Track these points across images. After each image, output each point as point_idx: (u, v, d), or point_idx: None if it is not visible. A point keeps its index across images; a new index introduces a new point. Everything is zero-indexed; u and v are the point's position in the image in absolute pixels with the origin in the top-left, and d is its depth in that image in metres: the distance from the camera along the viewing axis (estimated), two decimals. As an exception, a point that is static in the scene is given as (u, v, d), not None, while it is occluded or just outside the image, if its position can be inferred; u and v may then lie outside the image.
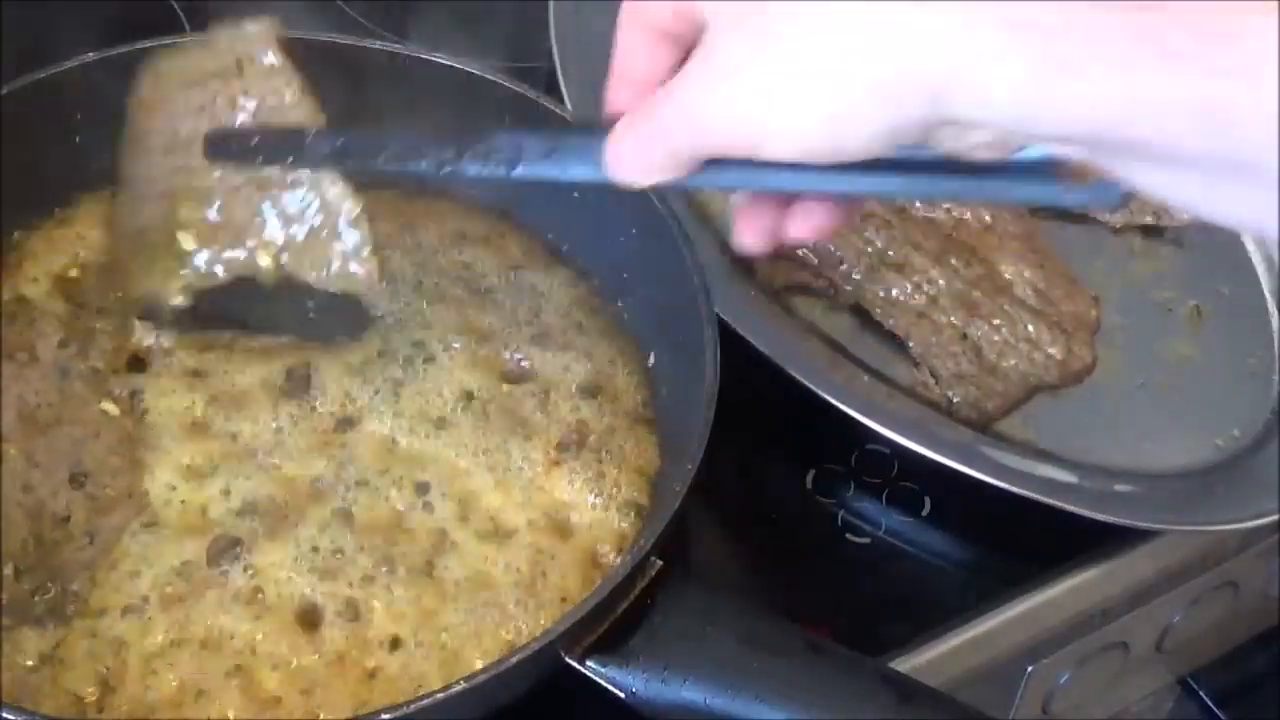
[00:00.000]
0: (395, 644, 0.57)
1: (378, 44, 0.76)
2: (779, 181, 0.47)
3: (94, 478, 0.61)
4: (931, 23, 0.38)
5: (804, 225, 0.50)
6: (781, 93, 0.41)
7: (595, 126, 0.50)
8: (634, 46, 0.49)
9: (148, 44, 0.72)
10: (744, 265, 0.81)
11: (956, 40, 0.38)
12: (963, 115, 0.39)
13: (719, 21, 0.43)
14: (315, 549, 0.60)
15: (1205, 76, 0.34)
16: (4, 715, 0.49)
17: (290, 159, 0.61)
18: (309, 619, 0.58)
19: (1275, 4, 0.34)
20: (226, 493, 0.61)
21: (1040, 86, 0.37)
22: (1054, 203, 0.45)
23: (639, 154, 0.47)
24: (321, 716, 0.55)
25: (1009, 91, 0.37)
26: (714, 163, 0.46)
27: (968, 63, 0.37)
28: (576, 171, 0.52)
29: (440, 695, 0.50)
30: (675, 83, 0.45)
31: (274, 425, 0.64)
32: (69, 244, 0.70)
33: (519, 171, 0.53)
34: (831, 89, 0.40)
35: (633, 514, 0.63)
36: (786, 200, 0.50)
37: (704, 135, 0.44)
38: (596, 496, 0.63)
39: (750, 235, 0.51)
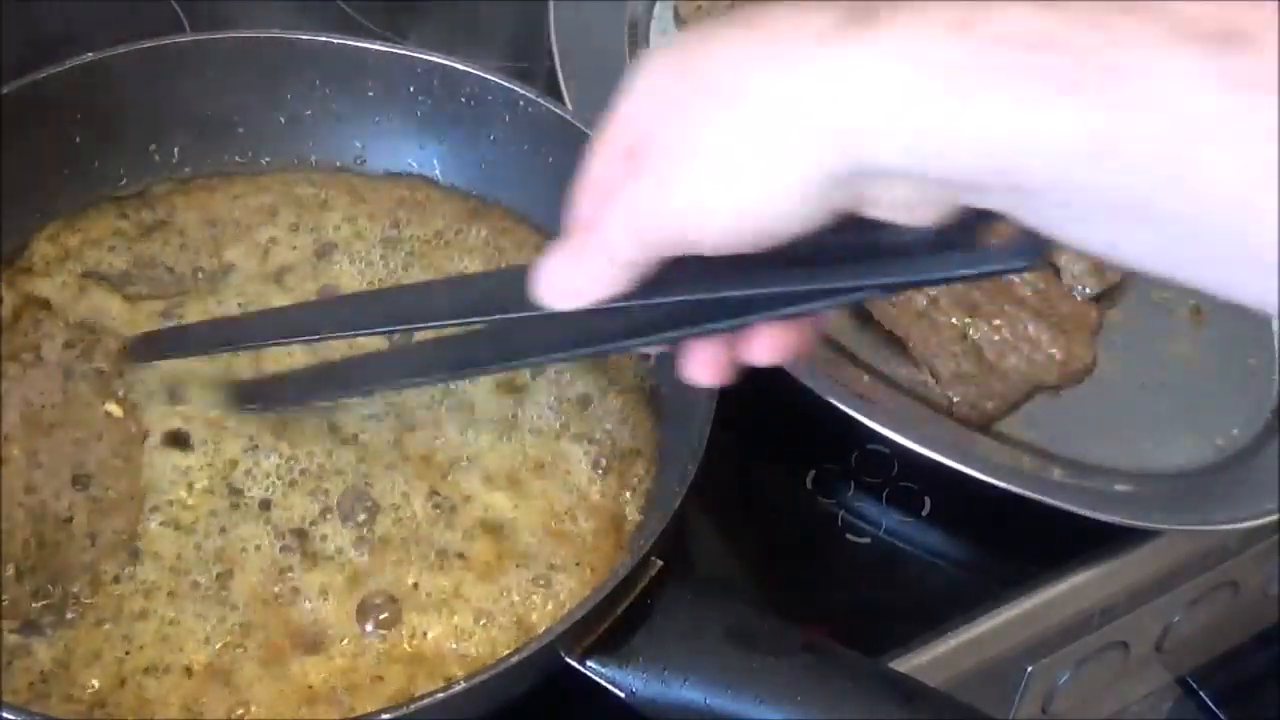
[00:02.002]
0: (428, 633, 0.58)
1: (378, 44, 0.76)
2: (720, 289, 0.46)
3: (96, 479, 0.61)
4: (837, 68, 0.38)
5: (765, 349, 0.48)
6: (710, 165, 0.41)
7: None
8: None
9: (148, 44, 0.72)
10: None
11: (864, 81, 0.37)
12: (879, 161, 0.38)
13: (652, 131, 0.43)
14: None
15: (1098, 110, 0.34)
16: (5, 716, 0.49)
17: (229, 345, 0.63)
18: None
19: (1165, 36, 0.34)
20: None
21: (944, 122, 0.36)
22: (981, 268, 0.44)
23: (574, 268, 0.46)
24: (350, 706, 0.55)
25: (914, 131, 0.37)
26: (654, 281, 0.45)
27: (875, 104, 0.37)
28: (492, 312, 0.52)
29: (440, 695, 0.50)
30: (614, 195, 0.44)
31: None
32: (72, 245, 0.70)
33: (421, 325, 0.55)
34: (753, 152, 0.40)
35: (639, 496, 0.64)
36: (729, 320, 0.48)
37: (641, 228, 0.44)
38: (601, 470, 0.64)
39: (699, 368, 0.50)
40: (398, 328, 0.57)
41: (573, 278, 0.47)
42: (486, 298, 0.52)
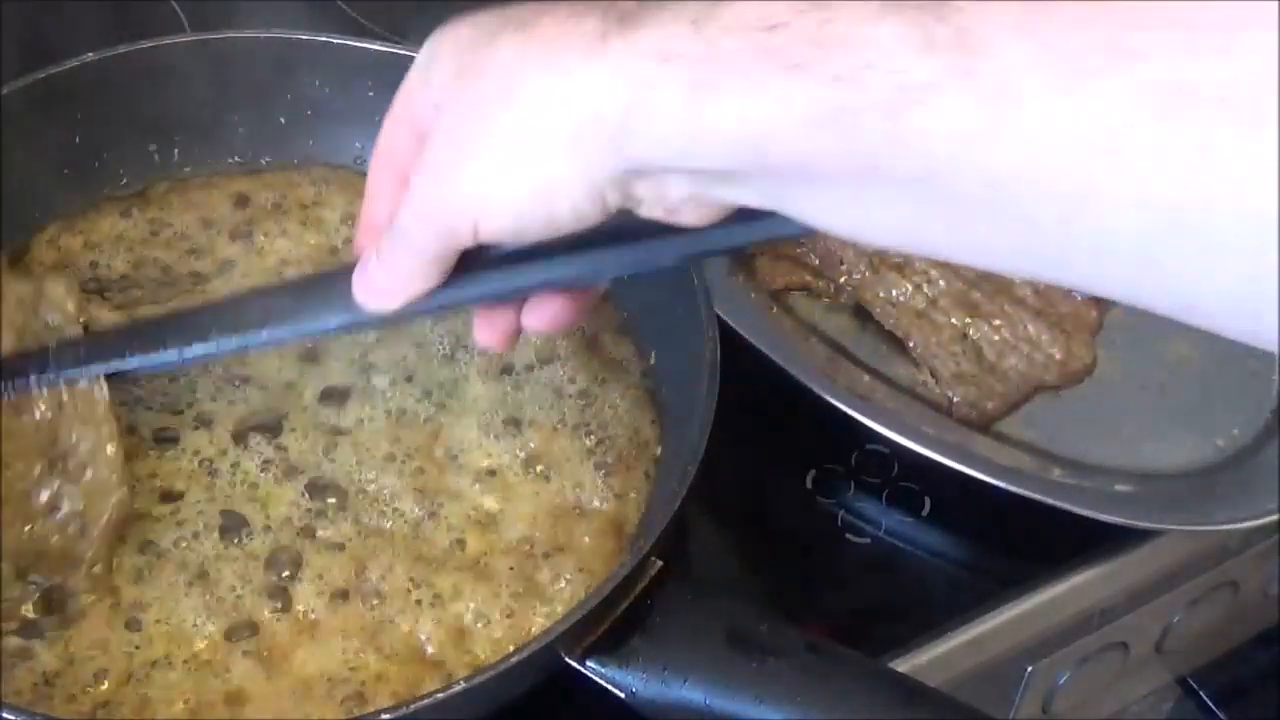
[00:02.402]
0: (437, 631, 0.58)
1: (378, 44, 0.76)
2: (515, 281, 0.50)
3: (72, 456, 0.59)
4: (601, 69, 0.40)
5: (539, 317, 0.53)
6: (490, 165, 0.44)
7: (340, 271, 0.53)
8: (380, 190, 0.52)
9: (148, 44, 0.72)
10: (744, 265, 0.81)
11: (622, 81, 0.40)
12: (643, 157, 0.41)
13: (437, 123, 0.46)
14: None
15: (825, 84, 0.36)
16: (4, 716, 0.49)
17: (34, 374, 0.59)
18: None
19: (875, 10, 0.36)
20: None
21: (691, 113, 0.39)
22: (768, 233, 0.46)
23: (386, 271, 0.50)
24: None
25: (668, 122, 0.39)
26: (456, 278, 0.49)
27: (633, 101, 0.40)
28: (330, 319, 0.53)
29: (440, 695, 0.50)
30: (407, 190, 0.47)
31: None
32: (72, 248, 0.70)
33: (267, 336, 0.55)
34: (530, 153, 0.42)
35: (639, 496, 0.64)
36: (522, 297, 0.52)
37: (434, 223, 0.47)
38: (602, 470, 0.64)
39: (489, 335, 0.54)
40: (240, 341, 0.57)
41: (387, 279, 0.50)
42: (324, 303, 0.54)
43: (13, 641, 0.56)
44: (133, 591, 0.58)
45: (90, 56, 0.70)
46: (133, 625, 0.57)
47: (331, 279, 0.54)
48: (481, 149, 0.44)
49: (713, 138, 0.39)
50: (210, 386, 0.65)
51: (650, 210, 0.44)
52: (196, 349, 0.57)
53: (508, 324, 0.54)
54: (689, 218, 0.44)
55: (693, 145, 0.40)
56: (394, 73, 0.75)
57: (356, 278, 0.51)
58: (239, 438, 0.63)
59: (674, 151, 0.40)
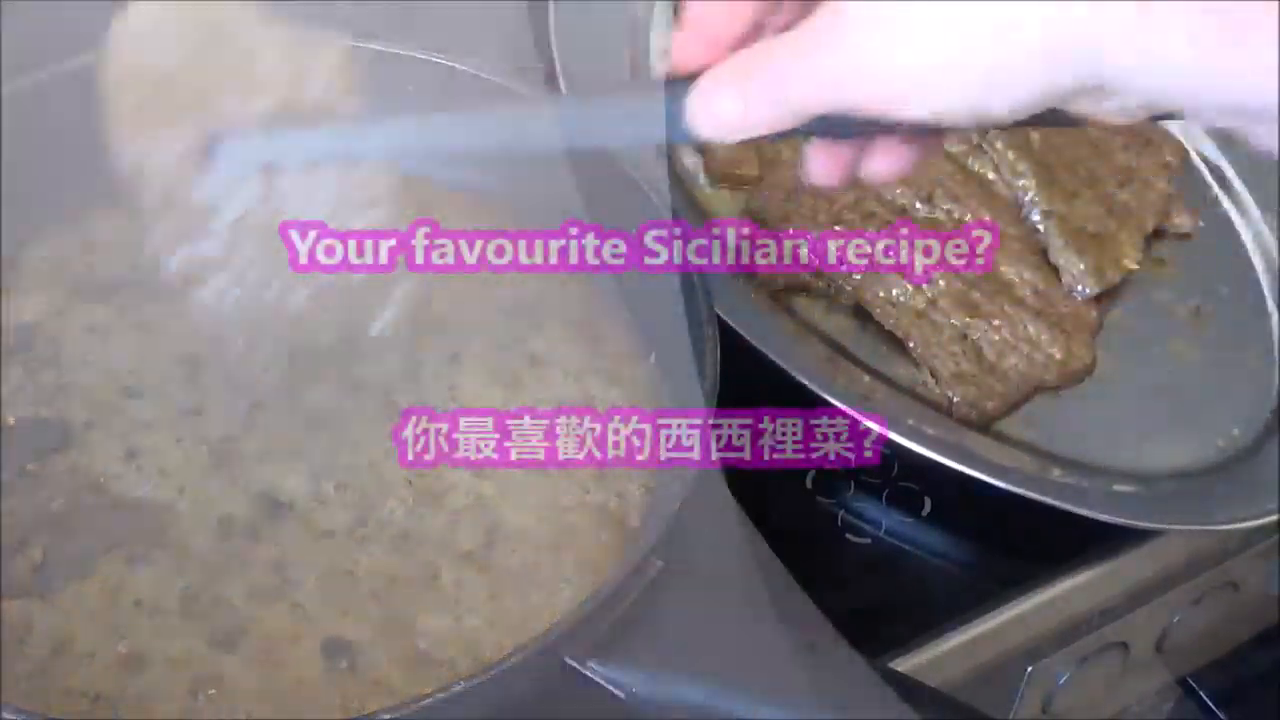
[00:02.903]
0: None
1: (378, 44, 0.76)
2: (868, 127, 0.44)
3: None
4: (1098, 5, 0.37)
5: (885, 161, 0.47)
6: (934, 51, 0.39)
7: (655, 86, 0.47)
8: None
9: (148, 44, 0.72)
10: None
11: (1131, 4, 0.37)
12: (1121, 82, 0.38)
13: None
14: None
15: None
16: (4, 716, 0.49)
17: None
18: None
19: None
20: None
21: (1215, 56, 0.36)
22: None
23: (741, 106, 0.44)
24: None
25: (1180, 60, 0.36)
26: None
27: (1140, 28, 0.36)
28: (644, 132, 0.49)
29: (440, 695, 0.50)
30: (800, 35, 0.42)
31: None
32: (70, 251, 0.70)
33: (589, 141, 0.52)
34: (993, 48, 0.38)
35: (639, 496, 0.64)
36: (868, 135, 0.47)
37: (833, 93, 0.42)
38: (602, 469, 0.64)
39: (823, 169, 0.48)
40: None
41: (736, 115, 0.45)
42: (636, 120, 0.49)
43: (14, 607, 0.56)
44: (123, 579, 0.58)
45: (92, 56, 0.70)
46: (123, 615, 0.57)
47: (648, 93, 0.48)
48: (927, 27, 0.39)
49: (1228, 85, 0.36)
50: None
51: (1075, 108, 0.41)
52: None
53: (846, 161, 0.48)
54: (1117, 119, 0.41)
55: (1195, 88, 0.37)
56: (394, 73, 0.76)
57: (699, 100, 0.45)
58: (235, 427, 0.63)
59: (1173, 88, 0.38)
